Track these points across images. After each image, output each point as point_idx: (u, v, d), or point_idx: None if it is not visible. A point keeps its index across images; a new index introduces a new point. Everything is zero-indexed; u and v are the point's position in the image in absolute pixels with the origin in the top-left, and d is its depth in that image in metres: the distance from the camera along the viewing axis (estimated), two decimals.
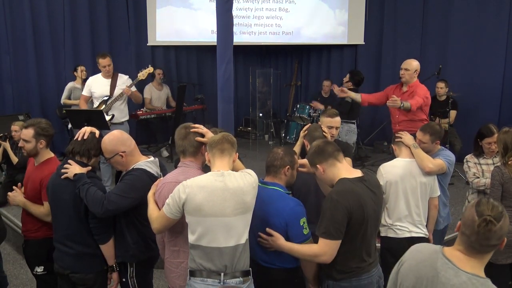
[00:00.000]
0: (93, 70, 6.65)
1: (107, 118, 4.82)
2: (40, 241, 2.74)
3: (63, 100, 6.19)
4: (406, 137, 2.98)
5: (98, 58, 4.94)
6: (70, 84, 6.21)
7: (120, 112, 4.96)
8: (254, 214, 2.19)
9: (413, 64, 4.26)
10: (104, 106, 4.87)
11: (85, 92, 5.04)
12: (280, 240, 2.21)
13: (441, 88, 5.89)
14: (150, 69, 5.24)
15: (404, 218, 2.87)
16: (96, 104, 4.95)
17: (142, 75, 5.12)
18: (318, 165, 2.24)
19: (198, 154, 2.30)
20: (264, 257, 2.31)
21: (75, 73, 6.23)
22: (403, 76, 4.26)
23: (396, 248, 2.87)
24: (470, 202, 3.30)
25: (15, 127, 4.66)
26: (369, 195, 2.17)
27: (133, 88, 5.02)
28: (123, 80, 4.98)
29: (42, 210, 2.69)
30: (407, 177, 2.87)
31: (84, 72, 6.07)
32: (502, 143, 2.96)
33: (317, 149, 2.24)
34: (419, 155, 2.94)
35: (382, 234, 2.96)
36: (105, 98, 4.90)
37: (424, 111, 4.21)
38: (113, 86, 4.90)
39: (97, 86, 4.95)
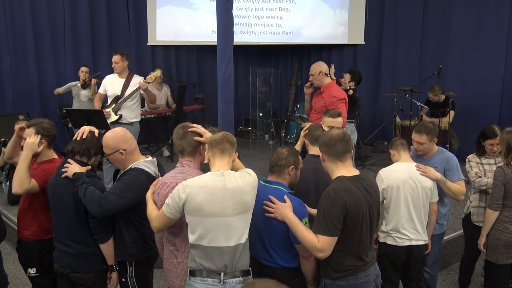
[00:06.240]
0: (94, 69, 6.67)
1: (115, 117, 4.83)
2: (32, 243, 2.70)
3: (56, 89, 6.08)
4: (431, 172, 2.89)
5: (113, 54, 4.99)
6: (72, 83, 6.20)
7: (130, 112, 4.92)
8: (256, 213, 2.20)
9: (315, 68, 4.29)
10: (114, 105, 4.87)
11: (100, 90, 5.07)
12: (286, 209, 2.19)
13: (431, 98, 5.87)
14: (157, 73, 5.19)
15: (406, 224, 2.82)
16: (108, 103, 4.96)
17: (150, 78, 5.05)
18: (321, 153, 2.27)
19: (196, 154, 2.29)
20: (265, 256, 2.32)
21: (80, 73, 6.22)
22: (314, 82, 4.30)
23: (395, 255, 2.87)
24: (472, 202, 3.32)
25: (18, 127, 4.65)
26: (365, 194, 2.18)
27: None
28: (136, 81, 4.94)
29: (26, 180, 2.49)
30: (408, 182, 2.83)
31: (85, 73, 6.07)
32: (505, 143, 2.94)
33: (329, 141, 2.23)
34: (451, 188, 2.96)
35: (381, 240, 2.91)
36: (117, 97, 4.90)
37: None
38: (125, 86, 4.90)
39: (111, 85, 4.97)
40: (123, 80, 4.94)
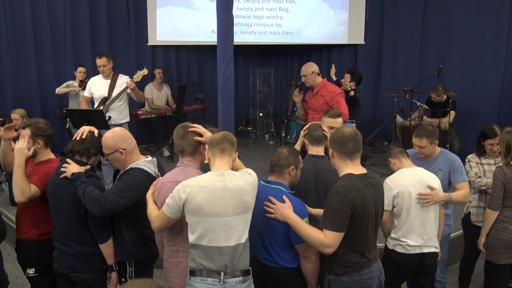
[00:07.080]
0: (94, 70, 6.65)
1: None
2: (31, 243, 2.69)
3: (57, 89, 6.14)
4: (435, 195, 2.74)
5: (96, 58, 4.90)
6: (70, 81, 6.23)
7: (119, 114, 4.87)
8: (256, 212, 2.20)
9: (307, 68, 4.30)
10: (102, 107, 4.81)
11: (86, 93, 5.02)
12: (287, 209, 2.19)
13: (434, 98, 5.87)
14: (144, 71, 5.08)
15: (416, 229, 2.69)
16: (96, 105, 4.91)
17: (137, 77, 4.96)
18: (331, 149, 2.28)
19: (197, 154, 2.29)
20: (266, 256, 2.33)
21: (77, 73, 6.23)
22: (306, 82, 4.33)
23: (405, 263, 2.74)
24: (472, 202, 3.32)
25: (15, 115, 4.62)
26: (371, 192, 2.20)
27: None
28: (122, 81, 4.88)
29: (27, 187, 2.49)
30: (417, 186, 2.72)
31: (83, 74, 6.06)
32: (505, 143, 2.94)
33: (341, 139, 2.22)
34: (458, 199, 2.95)
35: (390, 247, 2.78)
36: (104, 99, 4.85)
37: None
38: (111, 87, 4.83)
39: (96, 87, 4.90)
40: (108, 81, 4.85)
